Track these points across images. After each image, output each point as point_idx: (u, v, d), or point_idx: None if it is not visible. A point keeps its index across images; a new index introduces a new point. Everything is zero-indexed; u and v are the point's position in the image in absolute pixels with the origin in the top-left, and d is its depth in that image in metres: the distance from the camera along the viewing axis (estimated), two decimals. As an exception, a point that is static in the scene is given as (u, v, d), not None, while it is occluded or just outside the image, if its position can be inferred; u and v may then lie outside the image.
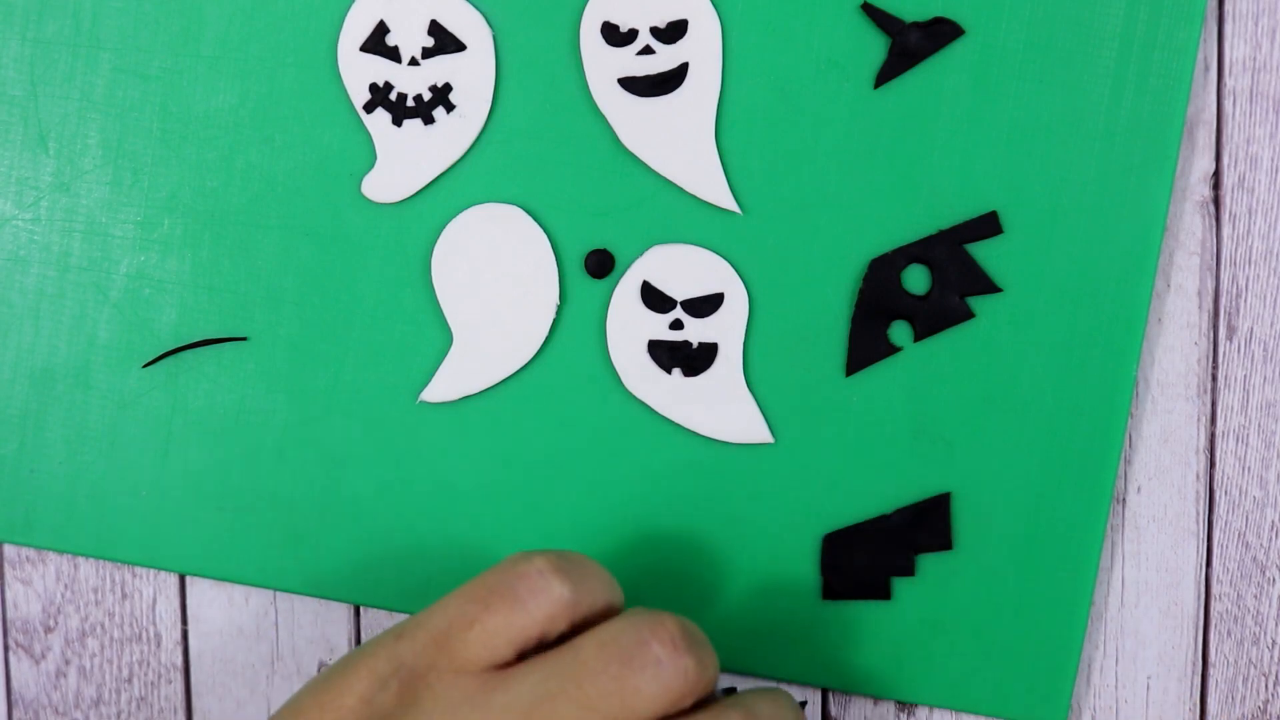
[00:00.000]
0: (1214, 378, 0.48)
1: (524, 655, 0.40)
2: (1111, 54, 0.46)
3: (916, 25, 0.46)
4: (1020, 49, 0.46)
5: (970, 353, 0.47)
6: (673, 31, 0.46)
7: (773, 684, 0.48)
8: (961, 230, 0.46)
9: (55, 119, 0.48)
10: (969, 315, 0.46)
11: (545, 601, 0.40)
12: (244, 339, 0.48)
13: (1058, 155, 0.46)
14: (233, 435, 0.48)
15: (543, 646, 0.40)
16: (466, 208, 0.47)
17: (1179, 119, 0.46)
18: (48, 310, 0.48)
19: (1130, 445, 0.48)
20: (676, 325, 0.47)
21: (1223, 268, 0.48)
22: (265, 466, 0.48)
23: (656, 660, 0.39)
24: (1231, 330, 0.48)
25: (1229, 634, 0.48)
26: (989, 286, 0.46)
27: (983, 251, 0.46)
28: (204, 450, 0.48)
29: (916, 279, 0.47)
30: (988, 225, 0.46)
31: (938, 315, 0.46)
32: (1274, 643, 0.48)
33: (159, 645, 0.50)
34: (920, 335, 0.47)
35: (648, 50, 0.46)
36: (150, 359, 0.48)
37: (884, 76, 0.46)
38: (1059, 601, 0.47)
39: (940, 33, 0.46)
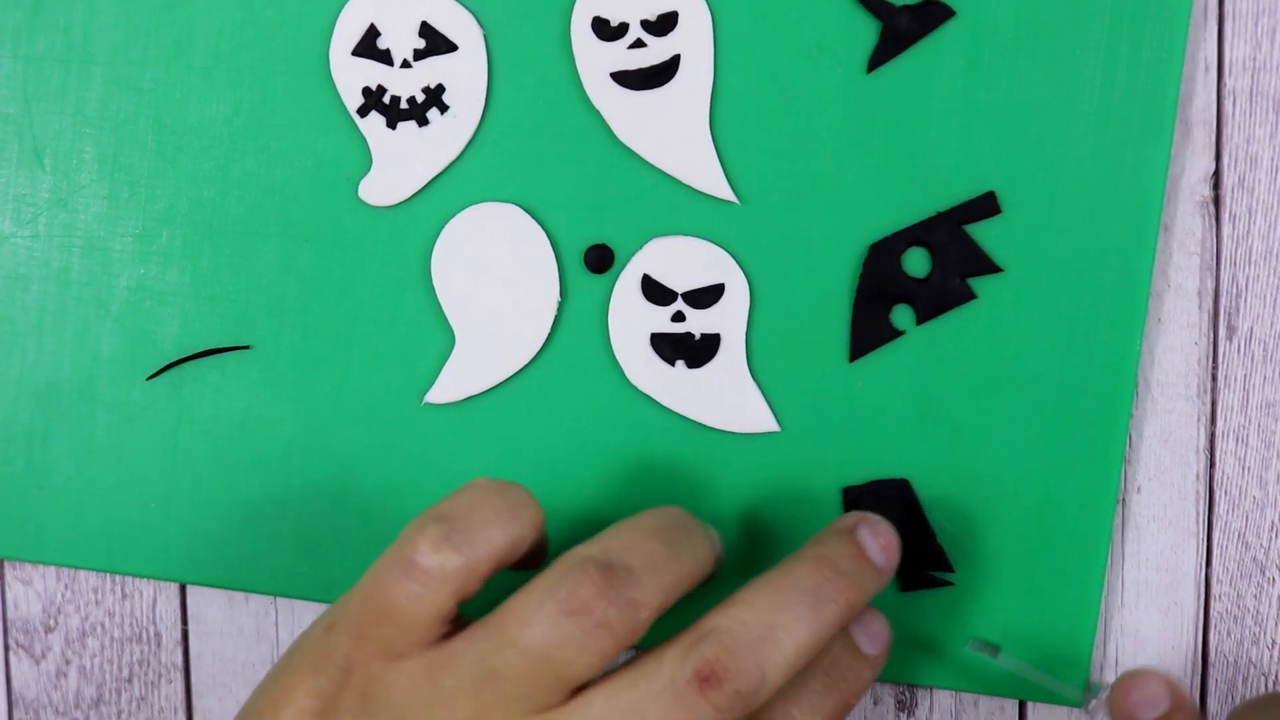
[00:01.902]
0: (1214, 378, 0.48)
1: (461, 617, 0.40)
2: (1103, 28, 0.46)
3: (907, 8, 0.46)
4: (1011, 28, 0.46)
5: (973, 334, 0.46)
6: (663, 24, 0.46)
7: None
8: (960, 211, 0.46)
9: (50, 135, 0.48)
10: (971, 296, 0.46)
11: (440, 581, 0.39)
12: (247, 348, 0.48)
13: (1053, 133, 0.46)
14: (239, 444, 0.48)
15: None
16: (464, 208, 0.47)
17: (1173, 91, 0.46)
18: (50, 326, 0.48)
19: (1130, 445, 0.48)
20: (678, 317, 0.47)
21: (1223, 268, 0.47)
22: (273, 474, 0.48)
23: (576, 630, 0.38)
24: (1231, 330, 0.47)
25: (1229, 634, 0.48)
26: (990, 267, 0.46)
27: (982, 232, 0.46)
28: (211, 460, 0.48)
29: (917, 262, 0.47)
30: (986, 205, 0.46)
31: (939, 297, 0.46)
32: (1274, 643, 0.48)
33: (159, 645, 0.50)
34: (923, 318, 0.46)
35: (639, 44, 0.46)
36: (154, 371, 0.48)
37: (876, 60, 0.46)
38: (1071, 578, 0.47)
39: (931, 15, 0.46)
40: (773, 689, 0.39)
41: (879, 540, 0.42)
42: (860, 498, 0.47)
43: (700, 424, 0.47)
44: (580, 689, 0.39)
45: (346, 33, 0.47)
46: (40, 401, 0.48)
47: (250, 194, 0.47)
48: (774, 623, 0.39)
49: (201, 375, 0.48)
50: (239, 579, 0.48)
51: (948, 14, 0.46)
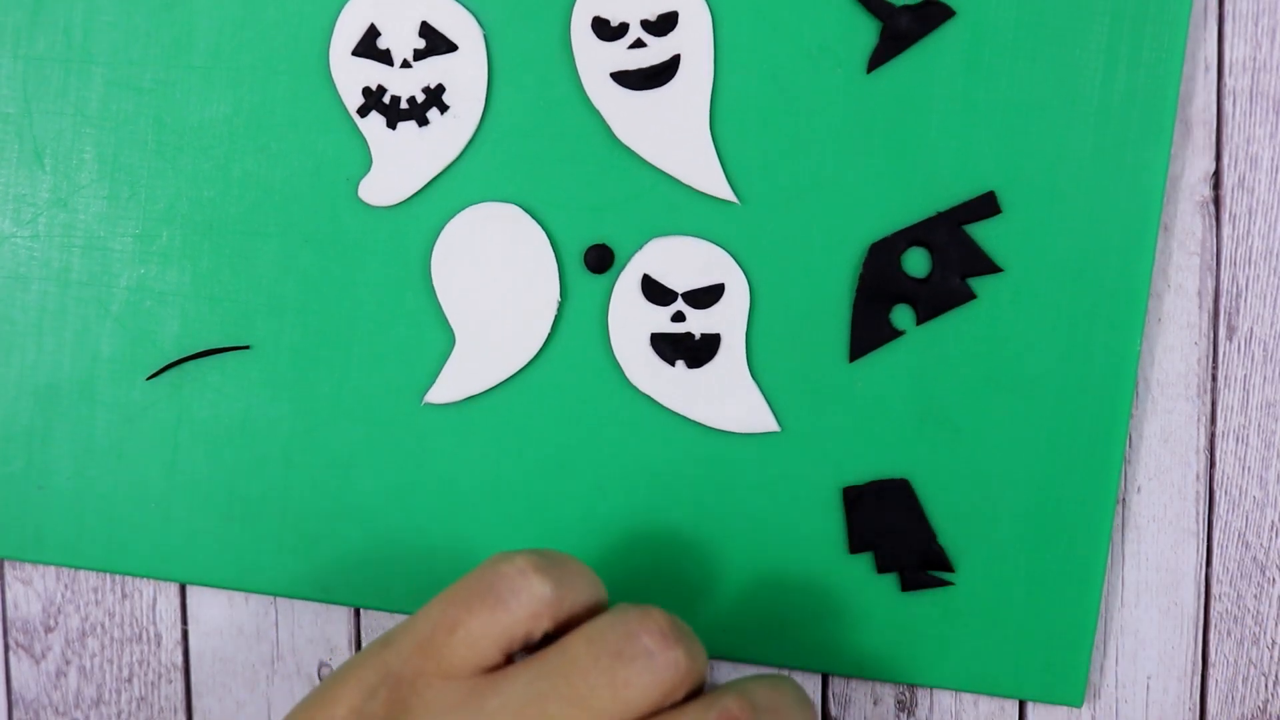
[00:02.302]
0: (1214, 378, 0.48)
1: (512, 658, 0.40)
2: (1103, 28, 0.46)
3: (907, 8, 0.46)
4: (1011, 28, 0.46)
5: (974, 334, 0.46)
6: (663, 24, 0.46)
7: (777, 671, 0.48)
8: (960, 211, 0.46)
9: (50, 135, 0.48)
10: (971, 296, 0.46)
11: (527, 600, 0.40)
12: (247, 347, 0.48)
13: (1053, 133, 0.46)
14: (239, 444, 0.48)
15: (530, 649, 0.40)
16: (464, 208, 0.47)
17: (1173, 91, 0.46)
18: (50, 326, 0.48)
19: (1130, 445, 0.48)
20: (678, 317, 0.47)
21: (1223, 268, 0.47)
22: (272, 474, 0.48)
23: (647, 652, 0.39)
24: (1231, 330, 0.47)
25: (1229, 634, 0.48)
26: (990, 267, 0.46)
27: (982, 232, 0.46)
28: (211, 460, 0.48)
29: (917, 262, 0.47)
30: (986, 205, 0.46)
31: (939, 297, 0.46)
32: (1274, 643, 0.48)
33: (159, 645, 0.50)
34: (923, 318, 0.46)
35: (639, 43, 0.46)
36: (154, 371, 0.48)
37: (876, 61, 0.46)
38: (1071, 578, 0.47)
39: (930, 15, 0.46)
40: None
41: None
42: (860, 498, 0.47)
43: (700, 424, 0.47)
44: None
45: (346, 33, 0.47)
46: (40, 401, 0.48)
47: (250, 194, 0.47)
48: (781, 703, 0.41)
49: (201, 375, 0.48)
50: (238, 579, 0.48)
51: (948, 14, 0.46)
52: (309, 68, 0.47)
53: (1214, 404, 0.48)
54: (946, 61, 0.46)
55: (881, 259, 0.46)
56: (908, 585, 0.47)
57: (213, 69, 0.47)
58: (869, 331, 0.47)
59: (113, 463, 0.48)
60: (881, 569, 0.47)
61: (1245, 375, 0.48)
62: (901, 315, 0.47)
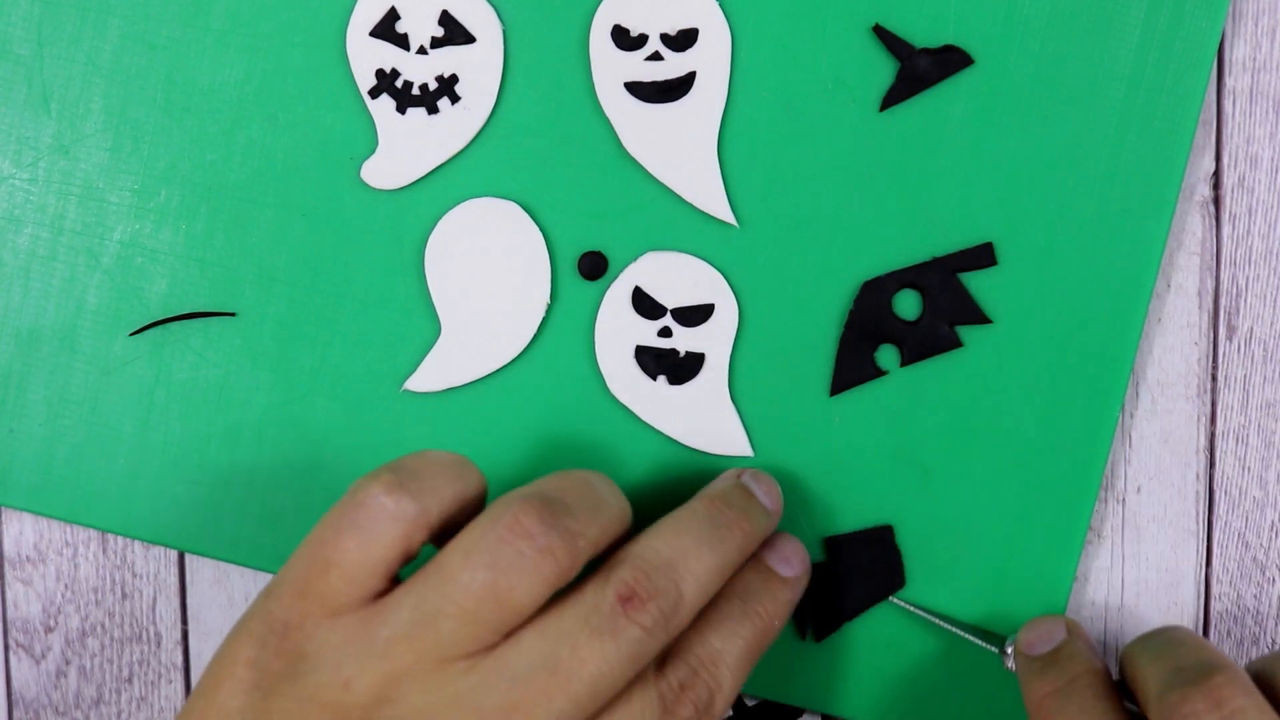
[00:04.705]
0: (1214, 378, 0.48)
1: (398, 577, 0.41)
2: (1119, 95, 0.46)
3: (926, 51, 0.46)
4: (1028, 83, 0.46)
5: (956, 382, 0.47)
6: (683, 39, 0.46)
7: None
8: (956, 259, 0.46)
9: (59, 81, 0.47)
10: (957, 344, 0.46)
11: (392, 524, 0.40)
12: (232, 314, 0.48)
13: (1058, 192, 0.46)
14: (214, 410, 0.48)
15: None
16: (464, 200, 0.47)
17: (1180, 168, 0.46)
18: (38, 271, 0.48)
19: (1130, 445, 0.48)
20: (665, 333, 0.47)
21: (1223, 268, 0.48)
22: (244, 443, 0.48)
23: (520, 555, 0.39)
24: (1231, 330, 0.48)
25: (1229, 634, 0.48)
26: (980, 317, 0.46)
27: (976, 282, 0.46)
28: (185, 423, 0.48)
29: (908, 304, 0.47)
30: (983, 256, 0.46)
31: (926, 342, 0.46)
32: (1274, 643, 0.48)
33: (159, 645, 0.50)
34: (907, 360, 0.47)
35: (656, 56, 0.46)
36: (138, 328, 0.48)
37: (890, 100, 0.46)
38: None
39: (949, 60, 0.46)
40: (691, 608, 0.41)
41: (762, 486, 0.45)
42: (843, 545, 0.47)
43: (675, 440, 0.47)
44: (510, 635, 0.40)
45: (367, 12, 0.47)
46: (20, 345, 0.48)
47: (252, 162, 0.47)
48: (682, 547, 0.41)
49: (184, 337, 0.48)
50: (198, 542, 0.48)
51: (966, 61, 0.46)
52: (325, 42, 0.47)
53: (1214, 404, 0.48)
54: (960, 108, 0.46)
55: (873, 298, 0.46)
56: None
57: (229, 33, 0.47)
58: (853, 368, 0.47)
59: (86, 414, 0.48)
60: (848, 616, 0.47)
61: (1245, 375, 0.48)
62: (886, 355, 0.47)
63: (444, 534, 0.41)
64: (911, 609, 0.46)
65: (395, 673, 0.39)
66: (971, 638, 0.46)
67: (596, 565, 0.41)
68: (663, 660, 0.41)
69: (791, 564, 0.45)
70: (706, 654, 0.42)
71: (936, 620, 0.46)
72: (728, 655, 0.42)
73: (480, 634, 0.39)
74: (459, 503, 0.41)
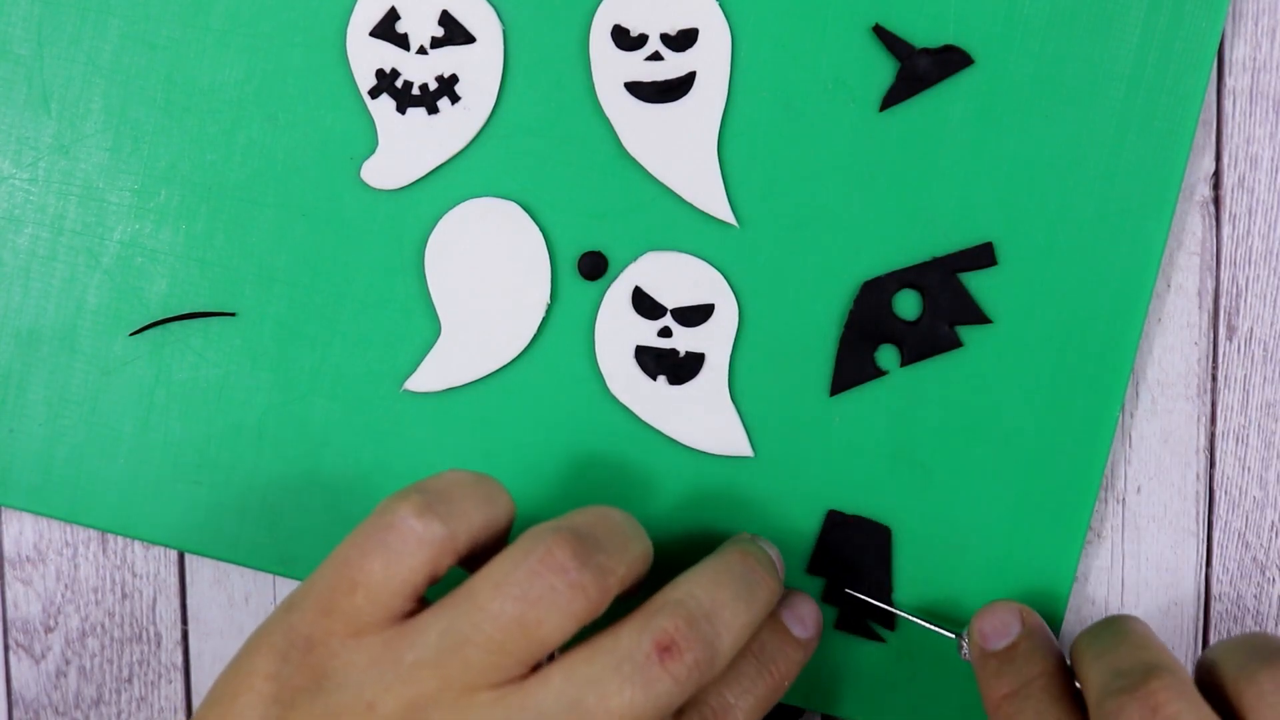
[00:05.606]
0: (1214, 378, 0.48)
1: (425, 599, 0.40)
2: (1119, 95, 0.46)
3: (926, 51, 0.46)
4: (1028, 83, 0.46)
5: (955, 382, 0.47)
6: (683, 39, 0.46)
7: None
8: (956, 259, 0.46)
9: (59, 81, 0.47)
10: (957, 344, 0.46)
11: (419, 547, 0.40)
12: (232, 314, 0.48)
13: (1058, 192, 0.46)
14: (214, 410, 0.48)
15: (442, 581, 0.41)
16: (464, 200, 0.47)
17: (1180, 168, 0.46)
18: (38, 271, 0.48)
19: (1130, 445, 0.48)
20: (665, 333, 0.47)
21: (1223, 268, 0.48)
22: (245, 444, 0.48)
23: (552, 589, 0.39)
24: (1231, 330, 0.48)
25: (1229, 634, 0.48)
26: (980, 317, 0.46)
27: (976, 282, 0.46)
28: (184, 423, 0.48)
29: (907, 304, 0.47)
30: (983, 256, 0.46)
31: (926, 342, 0.46)
32: None
33: (159, 645, 0.50)
34: (907, 360, 0.47)
35: (656, 56, 0.46)
36: (138, 328, 0.48)
37: (890, 100, 0.46)
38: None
39: (949, 60, 0.46)
40: (725, 663, 0.41)
41: (773, 551, 0.45)
42: (840, 525, 0.47)
43: (675, 440, 0.47)
44: (537, 668, 0.39)
45: (367, 12, 0.47)
46: (20, 345, 0.48)
47: (252, 162, 0.47)
48: (721, 601, 0.41)
49: (184, 337, 0.48)
50: (198, 542, 0.48)
51: (966, 61, 0.46)
52: (325, 42, 0.47)
53: (1214, 404, 0.48)
54: (960, 109, 0.46)
55: (873, 298, 0.46)
56: (842, 624, 0.47)
57: (229, 33, 0.47)
58: (853, 368, 0.47)
59: (86, 414, 0.48)
60: (826, 598, 0.47)
61: (1245, 375, 0.48)
62: (886, 355, 0.47)
63: (471, 558, 0.41)
64: (862, 598, 0.46)
65: (420, 698, 0.39)
66: (928, 625, 0.46)
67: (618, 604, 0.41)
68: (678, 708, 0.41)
69: (806, 625, 0.45)
70: (720, 706, 0.42)
71: (889, 609, 0.46)
72: (738, 712, 0.42)
73: (506, 665, 0.39)
74: (487, 528, 0.41)
